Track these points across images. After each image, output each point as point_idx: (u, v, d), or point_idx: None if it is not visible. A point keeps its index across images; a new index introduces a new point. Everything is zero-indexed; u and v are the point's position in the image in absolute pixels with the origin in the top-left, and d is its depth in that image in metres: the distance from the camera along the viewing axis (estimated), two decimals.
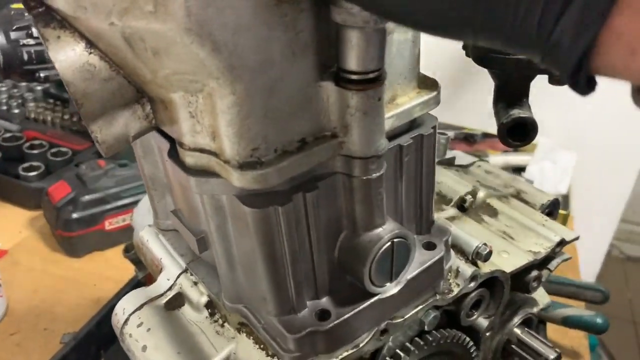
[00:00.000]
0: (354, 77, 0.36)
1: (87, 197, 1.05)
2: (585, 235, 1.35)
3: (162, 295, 0.52)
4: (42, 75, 1.11)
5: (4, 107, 1.41)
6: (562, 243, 0.62)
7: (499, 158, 1.41)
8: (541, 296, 0.69)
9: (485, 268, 0.55)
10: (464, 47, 0.47)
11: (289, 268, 0.42)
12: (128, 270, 0.83)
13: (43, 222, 1.14)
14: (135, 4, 0.31)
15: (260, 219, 0.39)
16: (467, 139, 1.52)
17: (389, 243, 0.43)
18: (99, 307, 0.90)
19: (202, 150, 0.39)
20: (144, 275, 0.74)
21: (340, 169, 0.41)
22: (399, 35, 0.41)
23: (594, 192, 1.53)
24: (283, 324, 0.43)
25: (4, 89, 1.48)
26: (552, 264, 0.63)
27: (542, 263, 0.63)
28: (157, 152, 0.50)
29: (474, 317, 0.57)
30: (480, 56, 0.44)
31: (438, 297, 0.51)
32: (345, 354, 0.45)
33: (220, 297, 0.48)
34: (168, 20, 0.31)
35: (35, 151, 1.23)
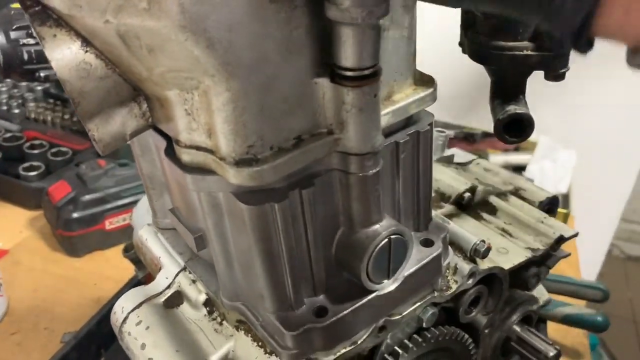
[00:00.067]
0: (349, 73, 0.36)
1: (87, 197, 1.05)
2: (586, 235, 1.35)
3: (160, 293, 0.52)
4: (42, 74, 1.11)
5: (4, 107, 1.41)
6: (561, 240, 0.62)
7: (499, 157, 1.42)
8: (540, 293, 0.69)
9: (484, 265, 0.55)
10: (461, 44, 0.47)
11: (286, 265, 0.42)
12: (128, 270, 0.83)
13: (43, 222, 1.14)
14: (130, 2, 0.31)
15: (256, 215, 0.39)
16: (467, 138, 1.52)
17: (386, 240, 0.43)
18: (99, 306, 0.90)
19: (198, 148, 0.39)
20: (144, 274, 0.74)
21: (337, 165, 0.41)
22: (394, 32, 0.41)
23: (595, 191, 1.53)
24: (281, 321, 0.43)
25: (4, 89, 1.48)
26: (551, 261, 0.63)
27: (541, 260, 0.63)
28: (155, 151, 0.50)
29: (473, 314, 0.57)
30: (476, 52, 0.44)
31: (436, 294, 0.51)
32: (343, 350, 0.45)
33: (218, 295, 0.48)
34: (162, 17, 0.31)
35: (35, 151, 1.23)
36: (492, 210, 0.66)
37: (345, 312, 0.44)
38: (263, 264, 0.42)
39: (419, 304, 0.50)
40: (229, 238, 0.43)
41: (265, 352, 0.47)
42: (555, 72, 0.43)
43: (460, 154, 0.76)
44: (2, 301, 0.94)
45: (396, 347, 0.50)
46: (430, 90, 0.44)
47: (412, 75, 0.44)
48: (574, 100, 1.48)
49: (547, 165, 1.30)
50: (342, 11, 0.32)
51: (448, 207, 0.65)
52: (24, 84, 1.50)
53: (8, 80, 1.51)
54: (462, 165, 0.74)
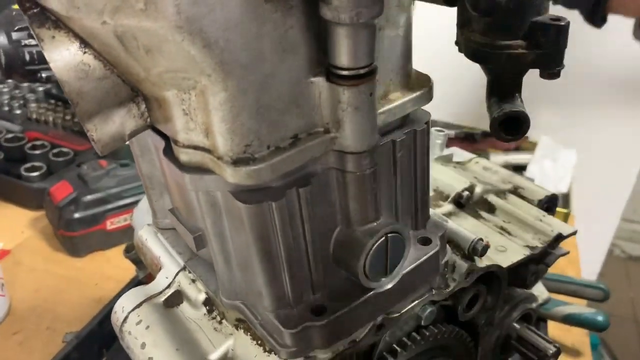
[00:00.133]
0: (344, 72, 0.37)
1: (88, 197, 1.06)
2: (586, 234, 1.35)
3: (160, 293, 0.53)
4: (43, 75, 1.12)
5: (6, 108, 1.42)
6: (560, 238, 0.62)
7: (499, 157, 1.42)
8: (540, 292, 0.69)
9: (482, 263, 0.55)
10: (457, 43, 0.47)
11: (284, 263, 0.42)
12: (129, 270, 0.83)
13: (45, 222, 1.15)
14: (127, 3, 0.31)
15: (254, 214, 0.40)
16: (468, 138, 1.52)
17: (383, 238, 0.43)
18: (100, 306, 0.91)
19: (196, 147, 0.39)
20: (145, 275, 0.74)
21: (334, 164, 0.41)
22: (389, 31, 0.41)
23: (595, 191, 1.53)
24: (279, 319, 0.44)
25: (5, 90, 1.49)
26: (550, 259, 0.63)
27: (540, 258, 0.63)
28: (154, 151, 0.51)
29: (472, 312, 0.58)
30: (472, 51, 0.44)
31: (434, 292, 0.51)
32: (342, 348, 0.46)
33: (217, 294, 0.49)
34: (159, 18, 0.31)
35: (37, 152, 1.24)
36: (491, 209, 0.66)
37: (343, 310, 0.44)
38: (261, 263, 0.42)
39: (417, 301, 0.50)
40: (227, 237, 0.43)
41: (265, 351, 0.47)
42: (551, 70, 0.43)
43: (459, 153, 0.76)
44: (3, 301, 0.94)
45: (394, 345, 0.50)
46: (427, 89, 0.45)
47: (409, 74, 0.44)
48: (575, 100, 1.48)
49: (547, 165, 1.30)
50: (336, 11, 0.33)
51: (447, 206, 0.65)
52: (25, 84, 1.51)
53: (10, 81, 1.52)
54: (461, 164, 0.74)
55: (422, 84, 0.45)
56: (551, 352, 0.61)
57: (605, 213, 1.60)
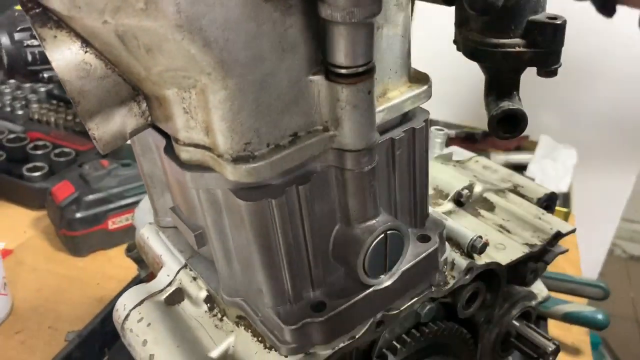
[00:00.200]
0: (343, 71, 0.37)
1: (90, 197, 1.06)
2: (587, 233, 1.35)
3: (162, 290, 0.53)
4: (45, 75, 1.12)
5: (8, 109, 1.42)
6: (559, 236, 0.62)
7: (500, 157, 1.42)
8: (539, 289, 0.70)
9: (481, 261, 0.56)
10: (455, 42, 0.48)
11: (284, 260, 0.43)
12: (131, 269, 0.84)
13: (47, 222, 1.15)
14: (127, 2, 0.32)
15: (254, 211, 0.40)
16: (468, 137, 1.52)
17: (382, 235, 0.44)
18: (102, 305, 0.91)
19: (196, 146, 0.40)
20: (147, 274, 0.75)
21: (333, 162, 0.42)
22: (388, 30, 0.41)
23: (595, 190, 1.53)
24: (279, 315, 0.44)
25: (7, 90, 1.49)
26: (549, 257, 0.63)
27: (539, 256, 0.64)
28: (155, 150, 0.51)
29: (471, 309, 0.58)
30: (469, 50, 0.44)
31: (433, 289, 0.51)
32: (342, 345, 0.46)
33: (218, 291, 0.49)
34: (159, 17, 0.32)
35: (38, 152, 1.24)
36: (490, 207, 0.66)
37: (343, 306, 0.45)
38: (261, 260, 0.42)
39: (416, 298, 0.50)
40: (227, 234, 0.44)
41: (265, 347, 0.47)
42: (548, 69, 0.43)
43: (459, 152, 0.77)
44: (6, 300, 0.95)
45: (394, 342, 0.51)
46: (425, 87, 0.45)
47: (407, 72, 0.45)
48: (575, 99, 1.48)
49: (547, 164, 1.30)
50: (335, 10, 0.33)
51: (447, 205, 0.65)
52: (27, 85, 1.52)
53: (12, 81, 1.52)
54: (461, 163, 0.74)
55: (420, 82, 0.45)
56: (550, 349, 0.61)
57: (605, 212, 1.60)
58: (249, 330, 0.49)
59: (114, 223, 1.08)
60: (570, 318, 0.85)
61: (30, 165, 1.21)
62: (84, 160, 1.21)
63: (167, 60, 0.35)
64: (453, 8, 0.45)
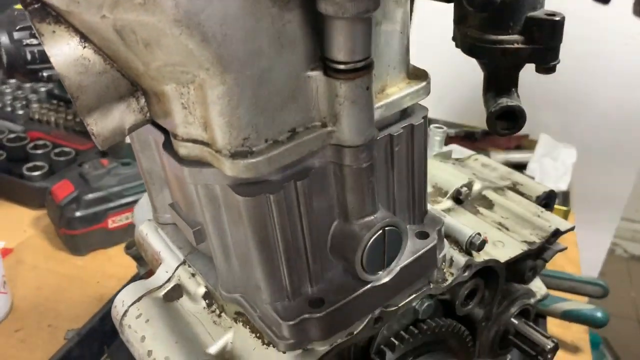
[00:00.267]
0: (341, 66, 0.37)
1: (90, 196, 1.07)
2: (587, 232, 1.35)
3: (160, 287, 0.53)
4: (45, 74, 1.12)
5: (9, 109, 1.43)
6: (557, 233, 0.62)
7: (500, 156, 1.42)
8: (538, 287, 0.70)
9: (480, 258, 0.56)
10: (454, 39, 0.48)
11: (282, 256, 0.43)
12: (131, 268, 0.84)
13: (47, 221, 1.16)
14: None
15: (252, 207, 0.40)
16: (468, 136, 1.52)
17: (380, 231, 0.44)
18: (102, 304, 0.92)
19: (194, 141, 0.40)
20: (146, 271, 0.75)
21: (331, 158, 0.42)
22: (386, 26, 0.41)
23: (595, 189, 1.53)
24: (277, 311, 0.44)
25: (8, 90, 1.50)
26: (548, 254, 0.63)
27: (538, 253, 0.64)
28: (154, 147, 0.51)
29: (470, 306, 0.58)
30: (468, 46, 0.44)
31: (432, 286, 0.51)
32: (339, 341, 0.46)
33: (217, 287, 0.49)
34: (157, 11, 0.32)
35: (39, 151, 1.25)
36: (489, 205, 0.66)
37: (341, 302, 0.45)
38: (259, 255, 0.42)
39: (414, 295, 0.51)
40: (226, 230, 0.44)
41: (263, 343, 0.47)
42: (547, 65, 0.43)
43: (458, 150, 0.77)
44: (6, 299, 0.95)
45: (392, 339, 0.51)
46: (424, 83, 0.45)
47: (406, 69, 0.45)
48: (574, 98, 1.48)
49: (547, 163, 1.30)
50: (333, 5, 0.33)
51: (446, 202, 0.65)
52: (27, 85, 1.52)
53: (12, 81, 1.52)
54: (460, 161, 0.74)
55: (419, 79, 0.45)
56: (549, 347, 0.61)
57: (605, 211, 1.60)
58: (248, 327, 0.49)
59: (114, 222, 1.09)
60: (569, 316, 0.85)
61: (30, 164, 1.21)
62: (84, 160, 1.21)
63: (165, 55, 0.35)
64: (452, 6, 0.45)
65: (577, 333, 0.93)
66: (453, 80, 1.51)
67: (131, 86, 0.41)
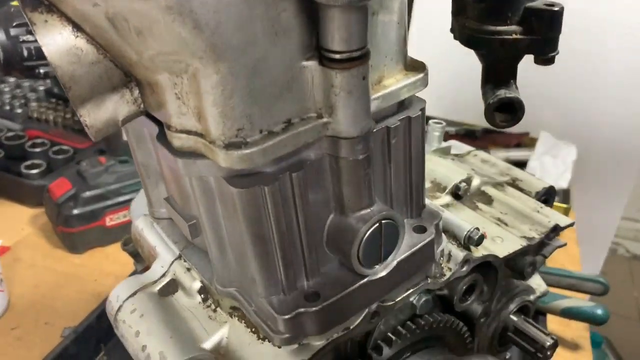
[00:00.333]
0: (337, 56, 0.36)
1: (87, 194, 1.06)
2: (587, 231, 1.34)
3: (156, 282, 0.53)
4: (42, 71, 1.12)
5: (7, 107, 1.42)
6: (557, 229, 0.62)
7: (500, 153, 1.41)
8: (538, 284, 0.69)
9: (478, 253, 0.55)
10: (452, 31, 0.47)
11: (277, 249, 0.42)
12: (128, 266, 0.83)
13: (45, 220, 1.15)
14: None
15: (246, 199, 0.39)
16: (468, 134, 1.52)
17: (377, 224, 0.43)
18: (99, 301, 0.91)
19: (188, 132, 0.39)
20: (143, 268, 0.74)
21: (327, 150, 0.41)
22: (383, 16, 0.41)
23: (596, 187, 1.52)
24: (272, 305, 0.44)
25: (7, 89, 1.49)
26: (547, 250, 0.63)
27: (538, 249, 0.63)
28: (150, 140, 0.51)
29: (468, 302, 0.57)
30: (466, 38, 0.44)
31: (429, 280, 0.51)
32: (336, 335, 0.46)
33: (212, 282, 0.49)
34: None
35: (37, 149, 1.24)
36: (488, 200, 0.66)
37: (337, 296, 0.44)
38: (254, 248, 0.42)
39: (412, 290, 0.50)
40: (221, 223, 0.43)
41: (259, 338, 0.47)
42: (545, 56, 0.43)
43: (457, 146, 0.76)
44: (2, 297, 0.94)
45: (389, 334, 0.50)
46: (421, 75, 0.45)
47: (403, 60, 0.44)
48: (574, 95, 1.48)
49: (547, 161, 1.29)
50: None
51: (444, 198, 0.65)
52: (26, 84, 1.52)
53: (11, 80, 1.52)
54: (459, 157, 0.74)
55: (417, 70, 0.45)
56: (548, 344, 0.61)
57: (606, 209, 1.59)
58: (243, 321, 0.48)
59: (112, 220, 1.08)
60: (569, 313, 0.85)
61: (28, 162, 1.21)
62: (82, 158, 1.20)
63: (158, 43, 0.35)
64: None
65: (577, 331, 0.92)
66: (453, 79, 1.51)
67: (125, 77, 0.40)
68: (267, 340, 0.46)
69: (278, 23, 0.35)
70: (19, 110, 1.41)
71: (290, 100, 0.39)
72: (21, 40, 1.07)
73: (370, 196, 0.44)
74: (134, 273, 0.89)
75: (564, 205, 1.10)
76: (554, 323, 0.91)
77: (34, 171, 1.19)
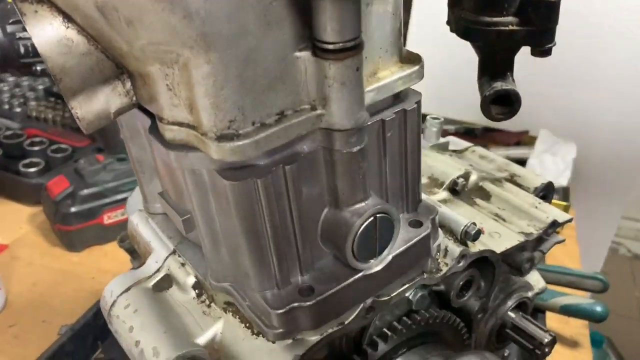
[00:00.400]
0: (330, 47, 0.36)
1: (85, 191, 1.06)
2: (587, 229, 1.33)
3: (150, 277, 0.52)
4: (39, 68, 1.12)
5: (6, 106, 1.42)
6: (555, 224, 0.61)
7: (500, 152, 1.41)
8: (536, 281, 0.68)
9: (475, 248, 0.55)
10: (448, 23, 0.47)
11: (271, 243, 0.42)
12: (127, 264, 0.83)
13: (43, 218, 1.15)
14: None
15: (239, 192, 0.39)
16: (468, 133, 1.52)
17: (371, 218, 0.43)
18: (97, 299, 0.91)
19: (180, 124, 0.39)
20: (139, 264, 0.74)
21: (321, 142, 0.41)
22: (377, 7, 0.40)
23: (595, 185, 1.52)
24: (266, 300, 0.43)
25: (6, 88, 1.49)
26: (545, 246, 0.62)
27: (536, 245, 0.63)
28: (144, 134, 0.50)
29: (465, 298, 0.57)
30: (462, 29, 0.43)
31: (425, 275, 0.50)
32: (330, 330, 0.45)
33: (206, 277, 0.48)
34: None
35: (35, 148, 1.24)
36: (486, 196, 0.65)
37: (331, 291, 0.44)
38: (247, 242, 0.41)
39: (407, 285, 0.49)
40: (214, 217, 0.43)
41: (253, 333, 0.47)
42: (542, 48, 0.42)
43: (455, 142, 0.76)
44: (0, 295, 0.94)
45: (385, 329, 0.50)
46: (417, 67, 0.44)
47: (398, 52, 0.44)
48: (574, 94, 1.47)
49: (547, 159, 1.29)
50: None
51: (441, 193, 0.64)
52: (25, 83, 1.52)
53: (11, 79, 1.52)
54: (458, 153, 0.73)
55: (412, 63, 0.44)
56: (546, 340, 0.60)
57: (606, 208, 1.58)
58: (237, 316, 0.48)
59: (110, 217, 1.08)
60: (568, 310, 0.84)
61: (26, 161, 1.20)
62: (81, 157, 1.20)
63: (148, 33, 0.34)
64: None
65: (577, 328, 0.91)
66: (453, 77, 1.50)
67: (116, 69, 0.40)
68: (261, 335, 0.46)
69: (270, 13, 0.35)
70: (18, 109, 1.41)
71: (283, 91, 0.38)
72: (18, 37, 1.07)
73: (365, 190, 0.43)
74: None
75: (564, 203, 1.09)
76: (553, 320, 0.90)
77: (32, 169, 1.19)
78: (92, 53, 0.38)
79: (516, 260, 0.60)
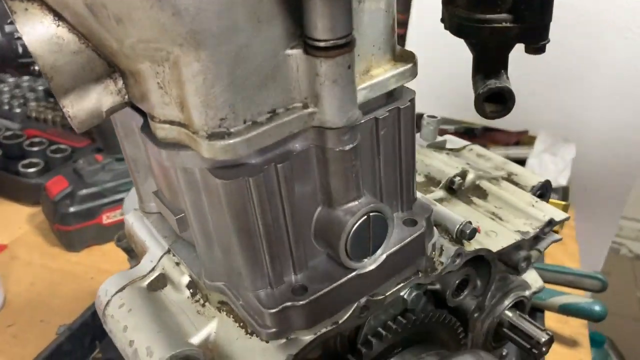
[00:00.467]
0: (321, 44, 0.36)
1: (84, 191, 1.06)
2: (587, 229, 1.33)
3: (144, 276, 0.52)
4: (37, 68, 1.12)
5: (6, 107, 1.43)
6: (552, 223, 0.61)
7: (499, 151, 1.41)
8: (534, 280, 0.68)
9: (471, 247, 0.54)
10: (442, 20, 0.47)
11: (263, 242, 0.41)
12: (125, 264, 0.83)
13: (42, 218, 1.15)
14: None
15: (231, 191, 0.39)
16: (467, 133, 1.51)
17: (365, 217, 0.42)
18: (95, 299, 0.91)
19: (171, 122, 0.39)
20: (137, 264, 0.74)
21: (314, 141, 0.41)
22: (370, 4, 0.40)
23: (595, 184, 1.51)
24: (260, 299, 0.43)
25: (6, 89, 1.50)
26: (542, 245, 0.62)
27: (533, 244, 0.62)
28: (138, 132, 0.50)
29: (461, 297, 0.57)
30: (456, 26, 0.43)
31: (420, 274, 0.50)
32: (324, 330, 0.45)
33: (200, 276, 0.48)
34: None
35: (35, 148, 1.24)
36: (483, 195, 0.65)
37: (324, 290, 0.43)
38: (240, 241, 0.41)
39: (402, 284, 0.49)
40: (207, 216, 0.43)
41: (247, 333, 0.46)
42: (536, 45, 0.42)
43: (452, 140, 0.75)
44: None
45: (379, 329, 0.49)
46: (410, 65, 0.44)
47: (392, 50, 0.44)
48: (573, 93, 1.47)
49: (546, 159, 1.28)
50: None
51: (438, 192, 0.64)
52: (25, 84, 1.52)
53: (11, 80, 1.52)
54: (455, 151, 0.73)
55: (406, 60, 0.44)
56: (544, 339, 0.60)
57: (606, 207, 1.58)
58: (231, 316, 0.48)
59: (109, 217, 1.08)
60: (567, 309, 0.84)
61: (26, 161, 1.21)
62: (80, 157, 1.20)
63: (137, 30, 0.34)
64: None
65: (576, 328, 0.91)
66: (452, 77, 1.50)
67: (108, 67, 0.40)
68: (255, 334, 0.45)
69: (260, 10, 0.35)
70: (18, 110, 1.41)
71: (275, 89, 0.38)
72: (16, 36, 1.07)
73: (358, 188, 0.43)
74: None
75: (563, 202, 1.08)
76: (552, 320, 0.90)
77: (32, 170, 1.19)
78: (83, 51, 0.38)
79: (513, 259, 0.60)
